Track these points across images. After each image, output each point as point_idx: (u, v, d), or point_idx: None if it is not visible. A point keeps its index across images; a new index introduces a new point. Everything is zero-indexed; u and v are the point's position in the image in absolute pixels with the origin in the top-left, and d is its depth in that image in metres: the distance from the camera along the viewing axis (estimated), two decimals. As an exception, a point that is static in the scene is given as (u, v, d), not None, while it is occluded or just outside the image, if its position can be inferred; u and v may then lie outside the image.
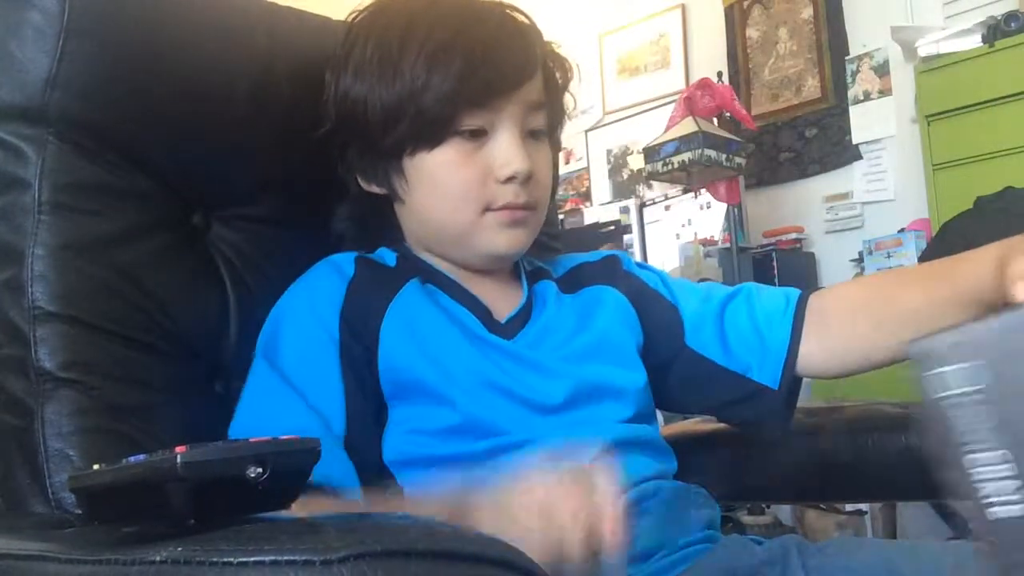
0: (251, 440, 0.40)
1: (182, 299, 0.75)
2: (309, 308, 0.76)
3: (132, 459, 0.42)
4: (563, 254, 0.96)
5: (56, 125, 0.70)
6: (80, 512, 0.58)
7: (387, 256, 0.82)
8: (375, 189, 0.81)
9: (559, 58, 0.84)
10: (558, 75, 0.83)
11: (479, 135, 0.76)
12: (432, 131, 0.76)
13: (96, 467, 0.45)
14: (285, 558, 0.34)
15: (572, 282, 0.88)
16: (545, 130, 0.81)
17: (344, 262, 0.79)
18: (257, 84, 0.81)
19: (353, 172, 0.81)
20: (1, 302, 0.68)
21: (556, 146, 0.87)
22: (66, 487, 0.63)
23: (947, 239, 1.85)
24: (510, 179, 0.76)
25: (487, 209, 0.77)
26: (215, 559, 0.36)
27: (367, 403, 0.73)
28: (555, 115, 0.83)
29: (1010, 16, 2.57)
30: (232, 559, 0.35)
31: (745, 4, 3.55)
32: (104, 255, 0.71)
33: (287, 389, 0.71)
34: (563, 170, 3.95)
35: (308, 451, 0.42)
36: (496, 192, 0.76)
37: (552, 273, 0.89)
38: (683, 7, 3.78)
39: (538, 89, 0.79)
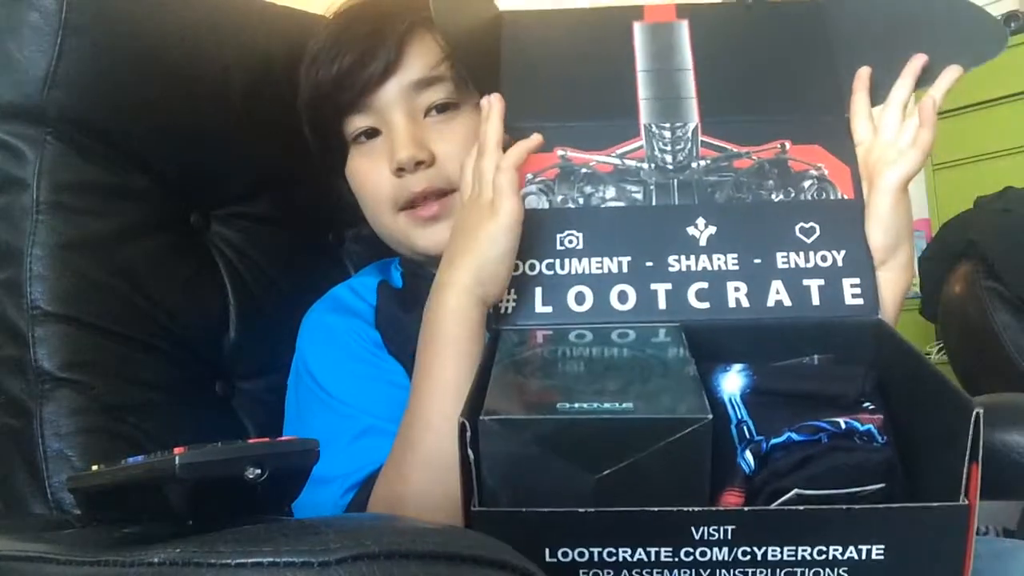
0: (249, 441, 0.40)
1: (181, 298, 0.75)
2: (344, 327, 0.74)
3: (131, 460, 0.42)
4: None
5: (54, 124, 0.70)
6: (79, 512, 0.58)
7: (394, 276, 0.82)
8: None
9: None
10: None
11: (374, 136, 0.75)
12: (335, 146, 0.77)
13: (95, 468, 0.45)
14: (283, 559, 0.34)
15: None
16: (456, 101, 0.74)
17: (365, 290, 0.79)
18: (255, 82, 0.81)
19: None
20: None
21: None
22: (65, 487, 0.63)
23: (947, 239, 1.84)
24: (400, 170, 0.72)
25: (401, 209, 0.74)
26: (213, 560, 0.36)
27: None
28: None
29: (1010, 16, 2.57)
30: (230, 560, 0.35)
31: (745, 4, 3.55)
32: (103, 254, 0.70)
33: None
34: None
35: (307, 452, 0.42)
36: (400, 186, 0.73)
37: None
38: (683, 6, 3.78)
39: (423, 64, 0.73)
